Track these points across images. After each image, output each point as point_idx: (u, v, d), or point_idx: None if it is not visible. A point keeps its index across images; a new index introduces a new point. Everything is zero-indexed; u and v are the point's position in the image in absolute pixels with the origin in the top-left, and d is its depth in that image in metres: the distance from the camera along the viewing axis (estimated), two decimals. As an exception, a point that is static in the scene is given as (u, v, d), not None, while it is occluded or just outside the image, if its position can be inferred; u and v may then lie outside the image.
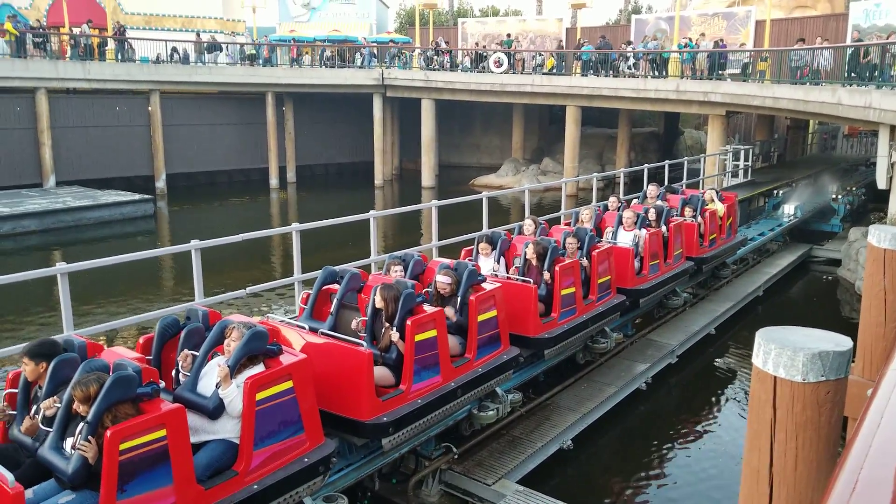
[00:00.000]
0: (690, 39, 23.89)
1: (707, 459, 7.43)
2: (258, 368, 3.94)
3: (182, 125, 27.70)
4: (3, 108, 23.48)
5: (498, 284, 6.23)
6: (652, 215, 9.49)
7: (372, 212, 8.45)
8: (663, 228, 9.43)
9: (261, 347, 3.95)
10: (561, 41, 30.26)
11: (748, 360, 10.03)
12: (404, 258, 6.44)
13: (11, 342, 8.47)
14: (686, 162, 17.67)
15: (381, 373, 5.01)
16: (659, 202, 10.63)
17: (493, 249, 7.48)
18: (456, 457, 5.93)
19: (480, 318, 5.85)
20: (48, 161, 24.24)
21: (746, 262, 13.57)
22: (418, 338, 5.08)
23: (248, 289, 6.89)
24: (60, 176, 24.45)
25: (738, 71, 21.72)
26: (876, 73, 14.48)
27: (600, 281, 7.78)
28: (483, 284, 6.08)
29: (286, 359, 4.11)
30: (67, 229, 19.67)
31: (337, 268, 5.96)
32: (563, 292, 7.11)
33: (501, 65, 27.03)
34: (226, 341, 3.97)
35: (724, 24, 26.85)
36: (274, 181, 29.52)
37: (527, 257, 7.18)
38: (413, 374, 5.06)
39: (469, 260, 7.36)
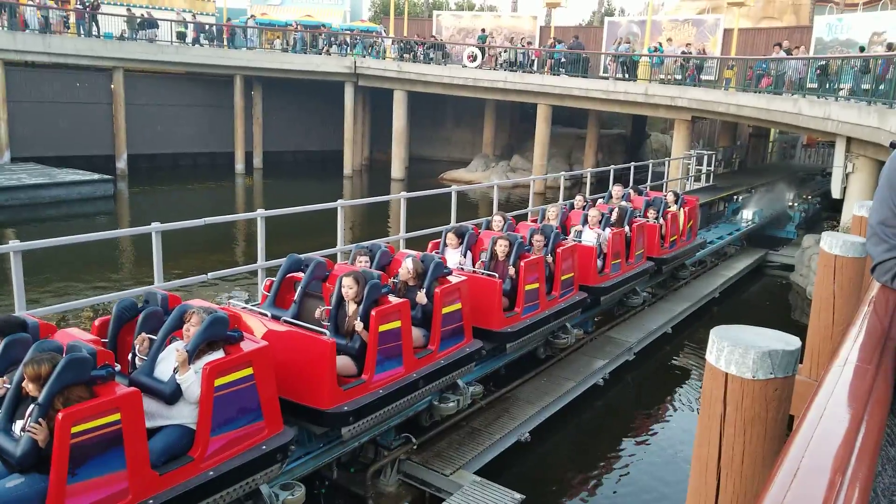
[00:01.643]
0: (661, 44, 24.24)
1: (659, 453, 7.64)
2: (217, 354, 3.89)
3: (146, 105, 27.05)
4: (-45, 80, 22.64)
5: (463, 278, 6.27)
6: (616, 215, 9.65)
7: (340, 201, 8.46)
8: (626, 229, 9.59)
9: (221, 333, 3.90)
10: (526, 42, 30.42)
11: (702, 358, 10.30)
12: (371, 248, 6.43)
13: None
14: (651, 165, 17.99)
15: (344, 362, 5.00)
16: (623, 203, 10.81)
17: (460, 243, 7.51)
18: (415, 447, 5.95)
19: (445, 310, 5.88)
20: (3, 136, 23.41)
21: (705, 264, 13.89)
22: (382, 328, 5.08)
23: (209, 274, 6.77)
24: (16, 152, 23.63)
25: (712, 78, 22.16)
26: (836, 87, 14.94)
27: (563, 278, 7.89)
28: (449, 277, 6.11)
29: (247, 345, 4.07)
30: (22, 207, 19.08)
31: (302, 256, 5.92)
32: (527, 288, 7.19)
33: (475, 59, 27.05)
34: (185, 326, 3.91)
35: (693, 31, 27.32)
36: (240, 166, 29.02)
37: (494, 252, 7.23)
38: (376, 365, 5.06)
39: (436, 252, 7.39)
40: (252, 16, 30.67)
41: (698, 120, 22.33)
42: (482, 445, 6.31)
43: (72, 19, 24.70)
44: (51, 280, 12.73)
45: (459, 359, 5.96)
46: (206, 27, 28.16)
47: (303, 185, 27.68)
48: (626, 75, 23.22)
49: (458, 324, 6.07)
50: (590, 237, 9.04)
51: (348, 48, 29.01)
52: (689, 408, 8.90)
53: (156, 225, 6.16)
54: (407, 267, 5.93)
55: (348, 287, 5.18)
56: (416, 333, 5.73)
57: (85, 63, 24.76)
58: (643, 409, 8.76)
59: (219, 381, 3.77)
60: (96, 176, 21.74)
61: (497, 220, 8.31)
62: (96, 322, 4.35)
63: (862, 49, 18.50)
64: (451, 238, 7.53)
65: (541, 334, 7.66)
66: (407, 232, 9.20)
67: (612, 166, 15.14)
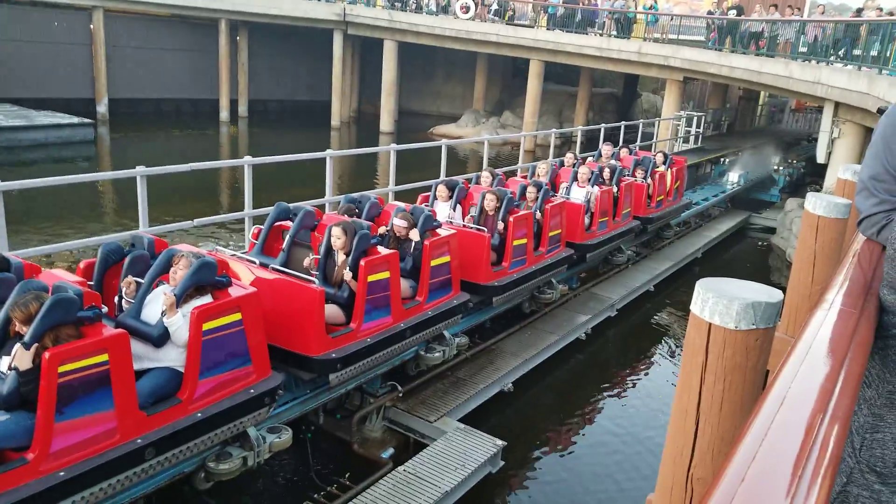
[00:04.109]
0: (655, 1, 23.87)
1: (638, 403, 7.90)
2: (205, 299, 3.90)
3: (127, 47, 26.27)
4: (-72, 15, 21.85)
5: (453, 231, 6.29)
6: (606, 174, 9.66)
7: (328, 150, 8.43)
8: (614, 187, 9.62)
9: (209, 278, 3.90)
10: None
11: (682, 315, 10.64)
12: (360, 200, 6.41)
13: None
14: (641, 125, 17.94)
15: (332, 311, 5.04)
16: (613, 161, 10.82)
17: (450, 196, 7.51)
18: (400, 395, 6.04)
19: (433, 262, 5.91)
20: (-20, 76, 22.80)
21: (689, 224, 14.03)
22: (371, 278, 5.11)
23: (195, 220, 6.72)
24: (-5, 93, 23.06)
25: (701, 38, 21.95)
26: (827, 52, 14.87)
27: (551, 234, 7.94)
28: (438, 230, 6.13)
29: (235, 291, 4.08)
30: (-1, 149, 18.64)
31: (291, 205, 5.89)
32: (515, 243, 7.23)
33: (468, 11, 26.51)
34: (172, 269, 3.90)
35: (689, -11, 26.96)
36: (224, 114, 28.48)
37: (484, 207, 7.24)
38: (364, 314, 5.10)
39: (425, 205, 7.38)
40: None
41: (690, 81, 22.19)
42: (466, 394, 6.44)
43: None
44: (33, 224, 12.58)
45: (446, 310, 6.02)
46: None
47: (289, 136, 27.31)
48: (621, 33, 22.91)
49: (446, 276, 6.12)
50: (578, 195, 9.07)
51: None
52: (668, 361, 9.17)
53: (140, 169, 6.08)
54: (401, 225, 5.93)
55: (336, 237, 5.18)
56: (404, 284, 5.77)
57: (63, 1, 23.92)
58: (623, 363, 8.99)
59: (207, 326, 3.79)
60: (76, 119, 21.26)
61: (485, 176, 8.31)
62: (81, 264, 4.33)
63: (859, 11, 18.37)
64: (442, 190, 7.52)
65: (527, 289, 7.75)
66: (396, 185, 9.17)
67: (603, 125, 15.10)
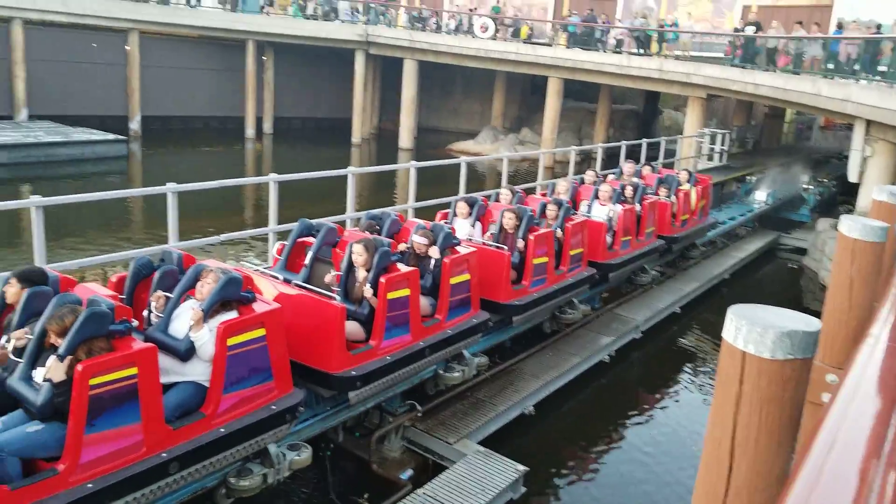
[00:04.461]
0: (677, 20, 23.85)
1: (663, 431, 7.70)
2: (231, 314, 3.95)
3: (160, 67, 26.88)
4: (-24, 38, 22.55)
5: (472, 249, 6.29)
6: (629, 192, 9.61)
7: (350, 168, 8.51)
8: (637, 206, 9.56)
9: (235, 293, 3.95)
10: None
11: (710, 339, 10.46)
12: (381, 216, 6.45)
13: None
14: (664, 142, 17.82)
15: (352, 327, 5.06)
16: (635, 179, 10.75)
17: (470, 213, 7.51)
18: (420, 415, 6.01)
19: (453, 280, 5.91)
20: (21, 94, 23.43)
21: (715, 244, 13.84)
22: (391, 295, 5.13)
23: (222, 236, 6.87)
24: (33, 110, 23.67)
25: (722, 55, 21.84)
26: (857, 67, 14.70)
27: (572, 253, 7.90)
28: (458, 248, 6.13)
29: (259, 307, 4.13)
30: (38, 164, 19.16)
31: (313, 221, 5.95)
32: (536, 261, 7.21)
33: (487, 30, 26.73)
34: (199, 284, 3.96)
35: (710, 7, 26.81)
36: (250, 131, 28.94)
37: (503, 225, 7.24)
38: (384, 331, 5.11)
39: (444, 222, 7.40)
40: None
41: (713, 98, 22.06)
42: (486, 416, 6.37)
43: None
44: (67, 237, 12.83)
45: (466, 329, 6.01)
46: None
47: (311, 152, 27.60)
48: (641, 50, 22.90)
49: (466, 295, 6.11)
50: (600, 213, 9.03)
51: (360, 15, 28.68)
52: (697, 388, 8.95)
53: (171, 185, 6.27)
54: (421, 242, 5.94)
55: (358, 254, 5.22)
56: (424, 302, 5.78)
57: (101, 24, 24.59)
58: (648, 387, 8.81)
59: (232, 341, 3.83)
60: (110, 136, 21.79)
61: (505, 193, 8.29)
62: (113, 278, 4.42)
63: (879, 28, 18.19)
64: (462, 207, 7.53)
65: (548, 309, 7.69)
66: (416, 202, 9.23)
67: (624, 142, 15.04)
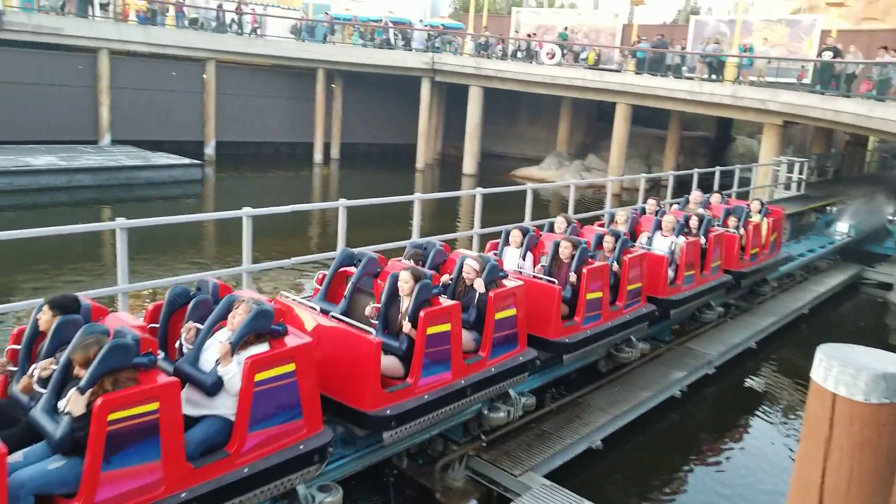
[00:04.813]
0: (752, 45, 23.03)
1: (744, 473, 7.33)
2: (262, 347, 3.86)
3: (234, 95, 27.96)
4: (66, 66, 24.04)
5: (520, 282, 6.04)
6: (694, 223, 9.15)
7: (416, 194, 8.68)
8: (702, 238, 9.09)
9: (265, 326, 3.86)
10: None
11: (787, 377, 10.00)
12: (426, 246, 6.31)
13: (29, 295, 8.69)
14: (738, 170, 17.09)
15: (390, 363, 4.91)
16: (701, 210, 10.27)
17: (521, 242, 7.26)
18: (484, 444, 5.93)
19: (498, 315, 5.68)
20: (105, 120, 24.82)
21: (793, 277, 13.11)
22: (430, 331, 4.95)
23: (292, 259, 7.05)
24: (115, 135, 24.99)
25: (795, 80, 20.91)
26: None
27: (630, 288, 7.53)
28: (504, 281, 5.91)
29: (291, 340, 4.02)
30: (119, 187, 20.09)
31: (355, 250, 5.88)
32: (589, 296, 6.88)
33: (554, 56, 26.61)
34: (230, 315, 3.90)
35: (787, 32, 25.79)
36: (318, 157, 29.72)
37: (558, 255, 6.96)
38: (422, 368, 4.93)
39: (494, 253, 7.20)
40: (326, 12, 31.16)
41: (790, 125, 21.08)
42: (552, 449, 6.24)
43: (171, 11, 25.88)
44: (139, 258, 13.36)
45: (511, 368, 5.74)
46: (295, 22, 28.92)
47: (376, 177, 28.06)
48: (714, 76, 22.20)
49: (512, 330, 5.86)
50: (662, 245, 8.60)
51: (429, 43, 29.10)
52: (772, 428, 8.51)
53: (247, 210, 6.54)
54: (472, 266, 5.75)
55: (405, 281, 5.04)
56: (467, 337, 5.57)
57: (181, 53, 25.85)
58: (721, 425, 8.43)
59: (260, 376, 3.73)
60: (187, 160, 22.68)
61: (560, 222, 7.99)
62: (150, 307, 4.42)
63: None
64: (516, 236, 7.26)
65: (602, 346, 7.33)
66: (481, 228, 9.20)
67: (696, 170, 14.53)
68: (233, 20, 26.97)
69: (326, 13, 31.29)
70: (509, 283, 5.90)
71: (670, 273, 8.43)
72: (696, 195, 10.77)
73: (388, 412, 4.60)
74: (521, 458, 5.97)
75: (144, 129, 25.85)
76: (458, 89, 29.23)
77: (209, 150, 27.25)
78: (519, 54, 27.65)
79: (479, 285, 5.66)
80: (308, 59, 27.91)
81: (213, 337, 3.93)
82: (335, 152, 30.61)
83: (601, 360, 7.76)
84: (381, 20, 30.09)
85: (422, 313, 4.92)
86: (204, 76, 26.78)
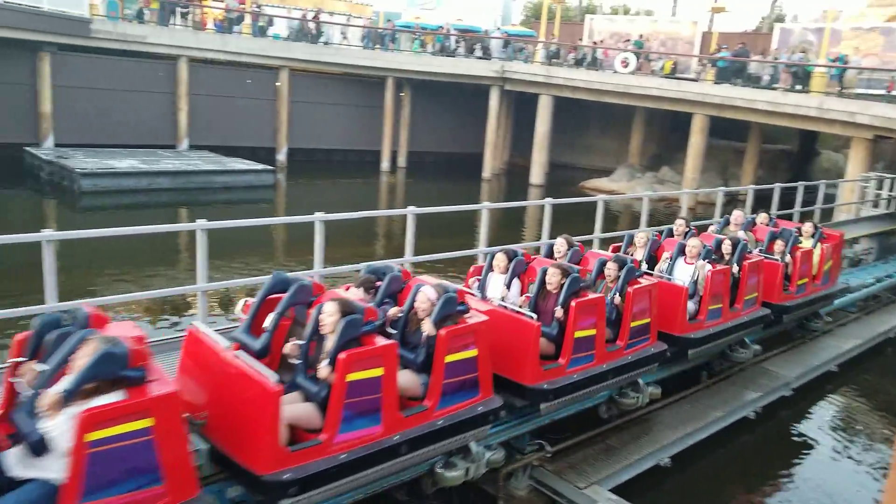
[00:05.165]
0: (842, 55, 21.01)
1: (812, 498, 6.98)
2: (116, 397, 3.36)
3: (305, 102, 28.43)
4: (147, 73, 25.15)
5: (484, 317, 5.28)
6: (726, 248, 8.01)
7: (485, 203, 8.80)
8: (735, 266, 7.95)
9: (112, 372, 3.30)
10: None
11: (872, 403, 9.28)
12: (384, 271, 5.56)
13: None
14: (822, 186, 15.51)
15: (303, 412, 4.35)
16: (741, 233, 9.11)
17: (507, 268, 6.41)
18: (549, 455, 5.95)
19: (451, 358, 4.93)
20: (183, 125, 25.79)
21: (879, 299, 12.05)
22: (351, 377, 4.33)
23: (363, 265, 7.02)
24: (193, 140, 25.90)
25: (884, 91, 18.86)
26: None
27: (635, 324, 6.56)
28: (466, 316, 5.16)
29: (157, 388, 3.43)
30: (195, 190, 20.78)
31: (290, 275, 5.14)
32: (578, 334, 6.00)
33: (628, 65, 25.37)
34: (74, 355, 3.37)
35: (881, 41, 23.32)
36: (385, 164, 29.77)
37: (545, 284, 6.10)
38: (339, 421, 4.29)
39: (476, 279, 6.49)
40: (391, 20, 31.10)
41: (881, 139, 19.01)
42: (619, 463, 6.18)
43: (247, 20, 26.60)
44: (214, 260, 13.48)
45: (467, 419, 5.01)
46: (366, 31, 29.11)
47: (442, 186, 27.70)
48: (800, 86, 20.38)
49: (471, 375, 5.14)
50: (683, 273, 7.53)
51: (504, 50, 28.43)
52: (853, 457, 7.88)
53: (319, 215, 6.84)
54: (426, 297, 5.08)
55: (328, 315, 4.39)
56: (414, 383, 4.93)
57: (256, 62, 26.51)
58: (796, 450, 8.00)
59: (98, 434, 3.16)
60: (260, 166, 23.26)
61: (560, 244, 7.02)
62: (19, 337, 3.77)
63: None
64: (500, 260, 6.41)
65: (596, 392, 6.43)
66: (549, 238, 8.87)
67: (778, 184, 13.37)
68: (308, 29, 27.33)
69: (390, 21, 31.31)
70: (473, 319, 5.21)
71: (691, 306, 7.37)
72: (737, 215, 9.55)
73: (284, 477, 3.98)
74: (586, 472, 5.94)
75: (220, 135, 26.68)
76: (526, 98, 28.46)
77: (281, 156, 27.81)
78: (585, 63, 26.58)
79: (427, 326, 4.97)
80: (378, 67, 27.98)
81: (59, 383, 3.46)
82: (402, 160, 30.54)
83: (602, 405, 6.86)
84: (441, 27, 29.73)
85: (343, 355, 4.33)
86: (277, 84, 27.32)
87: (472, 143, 30.49)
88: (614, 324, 6.49)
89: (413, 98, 30.22)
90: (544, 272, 6.16)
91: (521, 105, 29.90)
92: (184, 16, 26.01)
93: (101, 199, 19.04)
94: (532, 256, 6.85)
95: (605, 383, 6.39)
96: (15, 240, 5.42)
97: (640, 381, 6.84)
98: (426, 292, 5.09)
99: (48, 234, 5.40)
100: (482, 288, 6.43)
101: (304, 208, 6.94)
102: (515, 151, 31.69)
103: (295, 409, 4.33)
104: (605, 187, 26.71)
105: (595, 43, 28.15)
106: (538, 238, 8.86)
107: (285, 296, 4.80)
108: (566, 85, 26.27)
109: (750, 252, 8.37)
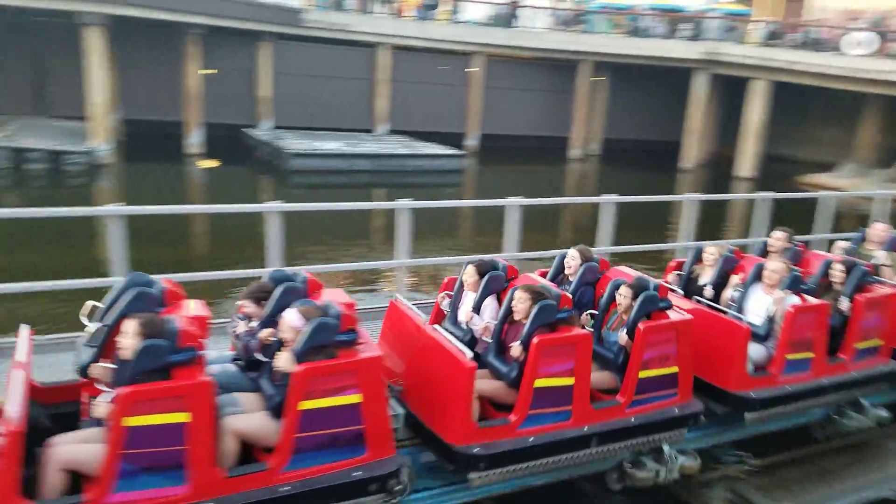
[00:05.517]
0: None
1: None
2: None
3: (497, 88, 28.67)
4: (348, 59, 26.86)
5: (686, 316, 4.79)
6: (837, 275, 5.85)
7: (689, 194, 8.70)
8: (844, 301, 5.78)
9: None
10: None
11: None
12: (292, 278, 4.33)
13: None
14: None
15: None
16: (880, 252, 6.82)
17: (478, 283, 4.93)
18: (754, 469, 5.66)
19: (310, 405, 3.54)
20: (382, 110, 27.28)
21: None
22: (131, 423, 3.54)
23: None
24: (393, 125, 27.33)
25: None
26: None
27: (646, 374, 4.67)
28: (357, 348, 3.74)
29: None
30: (390, 173, 22.01)
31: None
32: (541, 384, 4.23)
33: (862, 46, 22.33)
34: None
35: None
36: (576, 152, 29.14)
37: (511, 310, 4.51)
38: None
39: (447, 294, 5.11)
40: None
41: None
42: (834, 489, 5.69)
43: (444, 6, 27.30)
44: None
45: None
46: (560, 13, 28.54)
47: (637, 176, 26.38)
48: None
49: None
50: (757, 306, 5.46)
51: (716, 30, 26.34)
52: None
53: (514, 199, 7.25)
54: (289, 324, 3.70)
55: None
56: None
57: (453, 48, 27.16)
58: None
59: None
60: (450, 151, 24.08)
61: (573, 257, 5.45)
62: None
63: None
64: (471, 274, 4.93)
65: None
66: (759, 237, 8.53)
67: None
68: (507, 13, 27.37)
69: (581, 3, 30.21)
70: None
71: (760, 352, 5.40)
72: (879, 228, 7.11)
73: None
74: (795, 493, 5.53)
75: (417, 121, 27.84)
76: (734, 82, 26.19)
77: (472, 141, 28.34)
78: (807, 44, 23.76)
79: (282, 359, 3.61)
80: (573, 50, 27.36)
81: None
82: (595, 147, 29.72)
83: (610, 472, 4.96)
84: (632, 7, 28.11)
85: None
86: (470, 70, 27.78)
87: (672, 132, 28.75)
88: (617, 369, 4.81)
89: (609, 82, 29.17)
90: (512, 293, 4.54)
91: (728, 90, 27.60)
92: (384, 3, 27.18)
93: (307, 177, 20.86)
94: (515, 272, 5.15)
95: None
96: (249, 209, 6.54)
97: (667, 448, 5.02)
98: (294, 317, 3.71)
99: (275, 205, 6.24)
100: (453, 307, 5.06)
101: (491, 193, 7.28)
102: (721, 141, 29.33)
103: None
104: (825, 183, 23.79)
105: (821, 21, 25.09)
106: (745, 235, 8.08)
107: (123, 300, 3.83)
108: (785, 69, 23.77)
109: (878, 282, 6.11)
